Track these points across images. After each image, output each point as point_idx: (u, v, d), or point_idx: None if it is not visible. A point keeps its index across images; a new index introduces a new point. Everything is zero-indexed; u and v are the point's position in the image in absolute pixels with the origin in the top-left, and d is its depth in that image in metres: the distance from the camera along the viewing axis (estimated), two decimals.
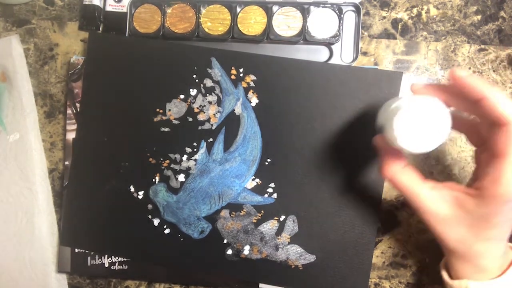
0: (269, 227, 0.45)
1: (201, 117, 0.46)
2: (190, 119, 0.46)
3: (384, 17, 0.47)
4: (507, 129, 0.29)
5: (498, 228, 0.31)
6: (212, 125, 0.46)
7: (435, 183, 0.34)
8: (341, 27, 0.46)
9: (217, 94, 0.46)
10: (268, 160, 0.45)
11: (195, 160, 0.46)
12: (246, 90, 0.45)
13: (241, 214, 0.45)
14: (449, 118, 0.30)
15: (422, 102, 0.30)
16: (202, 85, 0.46)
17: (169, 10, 0.47)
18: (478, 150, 0.37)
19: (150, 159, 0.46)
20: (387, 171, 0.34)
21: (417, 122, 0.30)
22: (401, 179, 0.34)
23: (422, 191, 0.33)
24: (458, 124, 0.35)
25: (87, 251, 0.48)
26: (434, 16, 0.47)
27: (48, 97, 0.50)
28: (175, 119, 0.46)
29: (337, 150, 0.44)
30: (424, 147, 0.30)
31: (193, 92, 0.46)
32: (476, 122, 0.35)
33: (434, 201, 0.33)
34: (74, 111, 0.48)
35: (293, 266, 0.45)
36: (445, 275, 0.36)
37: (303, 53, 0.47)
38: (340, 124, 0.44)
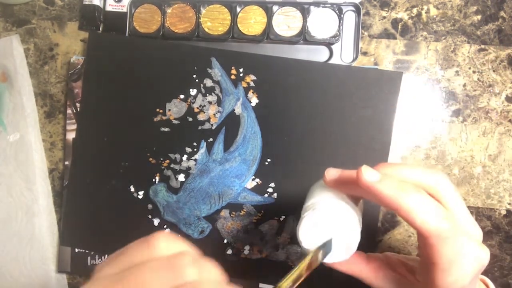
0: (269, 227, 0.45)
1: (201, 117, 0.46)
2: (190, 119, 0.46)
3: (384, 17, 0.47)
4: (429, 242, 0.25)
5: None
6: (212, 125, 0.46)
7: (379, 262, 0.32)
8: (341, 27, 0.46)
9: (217, 94, 0.46)
10: (268, 160, 0.45)
11: (195, 160, 0.46)
12: (246, 90, 0.45)
13: (241, 214, 0.45)
14: (358, 225, 0.28)
15: (327, 207, 0.28)
16: (202, 85, 0.46)
17: (169, 10, 0.47)
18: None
19: (150, 159, 0.46)
20: (325, 264, 0.32)
21: (322, 233, 0.28)
22: (341, 269, 0.32)
23: (365, 274, 0.32)
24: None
25: (87, 251, 0.48)
26: (434, 16, 0.47)
27: (48, 97, 0.50)
28: (175, 119, 0.46)
29: (337, 150, 0.44)
30: (333, 258, 0.29)
31: (193, 92, 0.46)
32: None
33: (380, 283, 0.32)
34: (74, 111, 0.48)
35: (293, 266, 0.45)
36: None
37: (303, 53, 0.47)
38: (340, 124, 0.44)
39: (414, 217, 0.25)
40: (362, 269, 0.32)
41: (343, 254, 0.28)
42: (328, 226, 0.28)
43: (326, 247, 0.28)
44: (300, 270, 0.27)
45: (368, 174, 0.26)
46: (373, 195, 0.26)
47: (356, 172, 0.26)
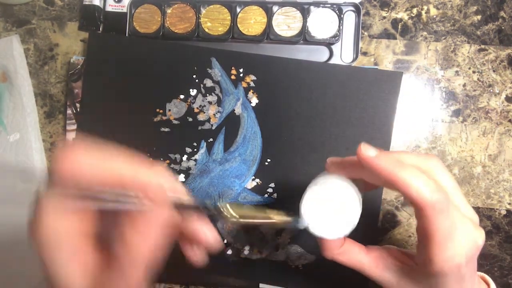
0: (269, 227, 0.45)
1: (201, 117, 0.46)
2: (190, 119, 0.46)
3: (384, 17, 0.47)
4: (425, 214, 0.26)
5: None
6: (212, 125, 0.46)
7: (379, 252, 0.33)
8: (341, 27, 0.46)
9: (217, 94, 0.46)
10: (268, 160, 0.45)
11: (195, 160, 0.46)
12: (246, 90, 0.45)
13: None
14: (359, 203, 0.29)
15: (330, 184, 0.30)
16: (202, 85, 0.46)
17: (169, 10, 0.47)
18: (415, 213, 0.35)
19: (150, 159, 0.46)
20: (326, 255, 0.33)
21: (323, 207, 0.29)
22: (342, 259, 0.33)
23: (366, 264, 0.32)
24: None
25: None
26: (434, 16, 0.47)
27: (48, 97, 0.50)
28: (175, 119, 0.46)
29: (337, 150, 0.44)
30: (333, 234, 0.29)
31: (193, 92, 0.46)
32: None
33: (381, 272, 0.32)
34: (74, 111, 0.48)
35: (293, 266, 0.45)
36: None
37: (303, 53, 0.47)
38: (340, 124, 0.44)
39: (410, 187, 0.26)
40: (362, 259, 0.32)
41: (344, 229, 0.29)
42: (329, 200, 0.29)
43: (297, 220, 0.30)
44: (259, 217, 0.29)
45: (367, 150, 0.27)
46: (372, 170, 0.27)
47: (357, 150, 0.28)
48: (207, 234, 0.27)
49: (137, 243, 0.22)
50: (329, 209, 0.29)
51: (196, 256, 0.28)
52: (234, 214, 0.26)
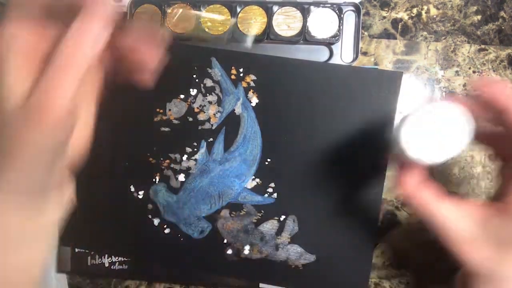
0: (269, 227, 0.45)
1: (201, 117, 0.46)
2: (190, 119, 0.46)
3: (384, 17, 0.47)
4: None
5: None
6: (212, 125, 0.46)
7: (456, 200, 0.31)
8: (341, 27, 0.46)
9: (217, 94, 0.46)
10: (268, 160, 0.45)
11: (195, 160, 0.46)
12: (246, 90, 0.45)
13: (241, 214, 0.45)
14: (469, 125, 0.27)
15: (435, 108, 0.27)
16: (202, 85, 0.46)
17: (169, 10, 0.47)
18: (504, 165, 0.33)
19: (150, 159, 0.46)
20: (402, 189, 0.31)
21: (428, 129, 0.27)
22: (416, 197, 0.31)
23: (440, 210, 0.30)
24: (482, 136, 0.32)
25: (87, 251, 0.48)
26: (434, 16, 0.47)
27: None
28: (175, 119, 0.46)
29: (338, 150, 0.44)
30: (435, 157, 0.27)
31: (193, 92, 0.46)
32: (503, 135, 0.31)
33: (455, 220, 0.30)
34: None
35: (293, 266, 0.45)
36: None
37: (303, 53, 0.47)
38: (340, 124, 0.44)
39: None
40: (437, 204, 0.30)
41: (444, 154, 0.27)
42: (435, 123, 0.27)
43: (234, 32, 0.28)
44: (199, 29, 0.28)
45: (487, 80, 0.27)
46: (485, 95, 0.27)
47: (476, 81, 0.27)
48: (151, 50, 0.27)
49: (76, 33, 0.22)
50: (433, 133, 0.27)
51: (143, 76, 0.29)
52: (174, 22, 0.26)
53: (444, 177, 0.46)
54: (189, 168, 0.46)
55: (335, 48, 0.46)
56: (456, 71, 0.46)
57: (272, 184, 0.45)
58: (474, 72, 0.46)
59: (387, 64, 0.47)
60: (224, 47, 0.46)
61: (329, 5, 0.45)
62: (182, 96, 0.46)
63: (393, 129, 0.34)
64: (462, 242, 0.30)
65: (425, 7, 0.47)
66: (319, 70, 0.44)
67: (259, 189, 0.45)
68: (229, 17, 0.46)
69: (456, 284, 0.34)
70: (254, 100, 0.45)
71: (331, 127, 0.44)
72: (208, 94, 0.46)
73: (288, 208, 0.45)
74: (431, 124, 0.27)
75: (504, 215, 0.29)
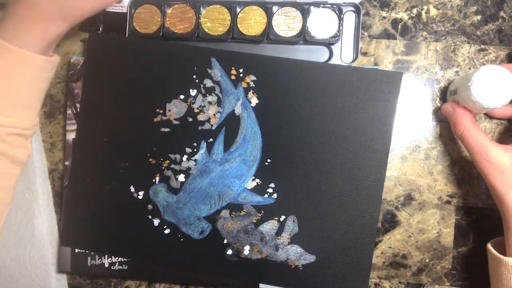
0: (269, 227, 0.45)
1: (201, 117, 0.46)
2: (190, 119, 0.46)
3: (384, 17, 0.47)
4: None
5: None
6: (212, 125, 0.46)
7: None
8: (341, 27, 0.46)
9: (217, 94, 0.46)
10: (268, 160, 0.45)
11: (195, 160, 0.46)
12: (246, 90, 0.45)
13: (241, 214, 0.45)
14: None
15: (496, 68, 0.37)
16: (202, 85, 0.46)
17: (169, 11, 0.47)
18: None
19: (150, 159, 0.46)
20: (459, 125, 0.40)
21: (490, 82, 0.36)
22: (471, 130, 0.39)
23: (489, 142, 0.38)
24: None
25: (87, 251, 0.48)
26: (434, 16, 0.47)
27: (48, 97, 0.50)
28: (175, 119, 0.46)
29: (337, 150, 0.44)
30: (494, 103, 0.36)
31: (193, 92, 0.46)
32: None
33: (500, 154, 0.37)
34: (74, 111, 0.48)
35: (293, 266, 0.45)
36: (495, 253, 0.39)
37: (303, 53, 0.47)
38: (340, 124, 0.44)
39: None
40: (486, 138, 0.38)
41: (502, 100, 0.36)
42: (497, 77, 0.36)
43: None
44: None
45: None
46: None
47: None
48: None
49: None
50: (495, 83, 0.36)
51: None
52: None
53: (444, 177, 0.46)
54: (189, 169, 0.46)
55: (335, 48, 0.46)
56: (456, 71, 0.46)
57: (272, 185, 0.45)
58: None
59: (387, 65, 0.47)
60: (224, 47, 0.46)
61: (329, 5, 0.45)
62: (182, 97, 0.46)
63: (453, 83, 0.44)
64: (501, 172, 0.37)
65: (425, 7, 0.47)
66: (319, 71, 0.44)
67: (259, 190, 0.45)
68: (229, 17, 0.46)
69: (490, 244, 0.41)
70: (254, 101, 0.45)
71: (331, 127, 0.44)
72: (208, 95, 0.46)
73: (288, 208, 0.45)
74: (493, 79, 0.36)
75: None
